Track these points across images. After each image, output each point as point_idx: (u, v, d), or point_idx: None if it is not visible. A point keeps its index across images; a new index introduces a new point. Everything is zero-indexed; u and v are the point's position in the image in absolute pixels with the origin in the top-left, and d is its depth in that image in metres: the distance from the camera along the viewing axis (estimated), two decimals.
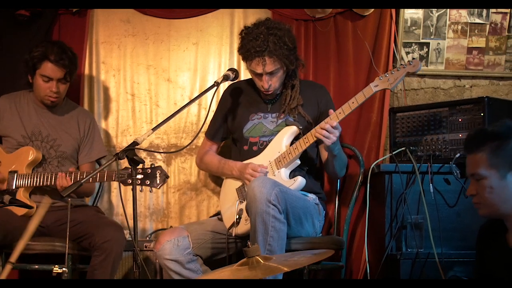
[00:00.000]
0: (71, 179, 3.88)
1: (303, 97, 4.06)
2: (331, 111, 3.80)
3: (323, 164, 4.13)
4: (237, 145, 4.20)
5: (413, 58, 4.28)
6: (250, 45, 3.87)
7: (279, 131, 4.00)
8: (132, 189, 3.26)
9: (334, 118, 3.76)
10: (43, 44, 4.14)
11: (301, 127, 3.96)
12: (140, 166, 3.40)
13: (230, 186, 4.08)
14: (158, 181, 3.53)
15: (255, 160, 4.00)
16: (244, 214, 3.77)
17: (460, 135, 4.03)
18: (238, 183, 4.02)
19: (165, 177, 3.55)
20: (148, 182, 3.52)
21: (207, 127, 4.32)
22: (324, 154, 4.04)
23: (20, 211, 3.96)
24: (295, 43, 3.99)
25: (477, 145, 2.81)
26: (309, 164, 4.06)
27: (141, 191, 3.57)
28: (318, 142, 3.90)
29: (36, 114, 4.23)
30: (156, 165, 3.55)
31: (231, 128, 4.22)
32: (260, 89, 4.02)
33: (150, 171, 3.53)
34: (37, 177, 4.00)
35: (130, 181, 3.41)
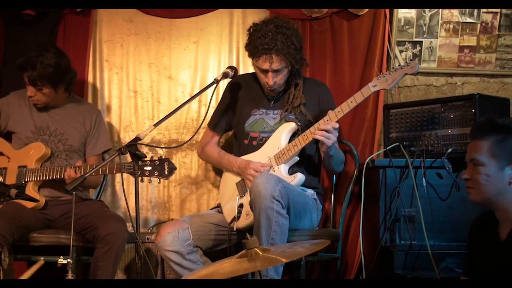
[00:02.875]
0: (80, 172, 3.87)
1: (305, 94, 4.04)
2: (330, 111, 3.78)
3: (322, 161, 4.12)
4: (237, 139, 4.18)
5: (411, 60, 4.26)
6: (258, 42, 3.82)
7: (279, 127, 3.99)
8: (135, 183, 3.25)
9: (333, 118, 3.74)
10: (26, 54, 4.05)
11: (299, 124, 3.94)
12: (147, 158, 3.41)
13: (230, 180, 4.07)
14: (166, 173, 3.53)
15: (254, 155, 3.98)
16: (245, 209, 3.76)
17: (452, 131, 4.01)
18: (238, 178, 4.00)
19: (173, 168, 3.55)
20: (156, 173, 3.53)
21: (207, 123, 4.30)
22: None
23: (29, 204, 3.95)
24: (302, 43, 3.96)
25: (483, 133, 2.81)
26: (308, 160, 4.04)
27: (150, 182, 3.56)
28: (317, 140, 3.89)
29: (44, 109, 4.21)
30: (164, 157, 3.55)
31: (233, 121, 4.20)
32: (264, 86, 3.99)
33: (158, 162, 3.52)
34: (45, 171, 3.99)
35: (139, 173, 3.40)
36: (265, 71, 3.89)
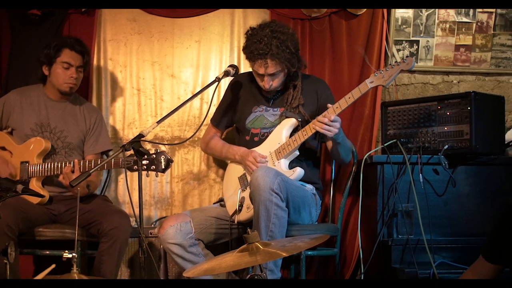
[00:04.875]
0: (79, 168, 3.85)
1: (304, 90, 4.03)
2: (329, 105, 3.77)
3: (330, 153, 4.11)
4: (239, 135, 4.20)
5: (407, 56, 4.25)
6: (254, 47, 3.83)
7: (279, 123, 3.98)
8: (138, 179, 3.23)
9: (331, 112, 3.74)
10: (60, 37, 4.16)
11: (299, 120, 3.94)
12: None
13: (233, 174, 4.07)
14: (163, 166, 3.48)
15: (256, 150, 3.97)
16: (246, 202, 3.76)
17: (448, 128, 4.01)
18: (241, 172, 4.01)
19: (169, 161, 3.50)
20: (153, 167, 3.47)
21: (209, 120, 4.31)
22: (329, 144, 4.02)
23: (35, 199, 3.93)
24: (298, 47, 3.95)
25: None
26: (308, 156, 4.04)
27: (147, 176, 3.52)
28: (318, 133, 3.89)
29: (45, 107, 4.19)
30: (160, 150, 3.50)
31: (234, 118, 4.21)
32: (262, 87, 3.99)
33: (154, 156, 3.48)
34: (47, 166, 3.98)
35: (136, 167, 3.37)
36: (262, 75, 3.90)
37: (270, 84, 3.90)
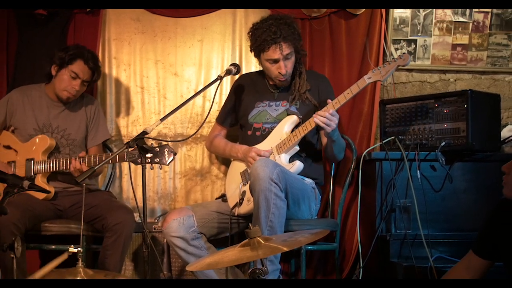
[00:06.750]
0: (84, 163, 3.85)
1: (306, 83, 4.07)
2: (328, 100, 3.77)
3: (323, 149, 4.11)
4: (242, 130, 4.20)
5: (404, 53, 4.24)
6: (266, 35, 3.86)
7: (281, 118, 3.99)
8: (142, 174, 3.22)
9: (330, 107, 3.74)
10: (80, 46, 4.15)
11: (301, 117, 3.95)
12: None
13: (236, 170, 4.07)
14: (166, 158, 3.47)
15: (258, 146, 3.98)
16: (247, 195, 3.75)
17: (445, 125, 4.00)
18: (243, 168, 4.01)
19: (173, 154, 3.48)
20: (157, 160, 3.45)
21: (211, 117, 4.30)
22: (324, 140, 4.03)
23: (40, 195, 3.93)
24: (300, 31, 4.04)
25: None
26: (308, 151, 4.03)
27: (151, 169, 3.51)
28: (318, 129, 3.88)
29: (46, 107, 4.17)
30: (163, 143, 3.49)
31: (238, 114, 4.23)
32: (277, 77, 3.99)
33: (158, 149, 3.46)
34: (53, 162, 3.97)
35: (140, 160, 3.36)
36: (276, 61, 3.91)
37: (286, 69, 3.92)
